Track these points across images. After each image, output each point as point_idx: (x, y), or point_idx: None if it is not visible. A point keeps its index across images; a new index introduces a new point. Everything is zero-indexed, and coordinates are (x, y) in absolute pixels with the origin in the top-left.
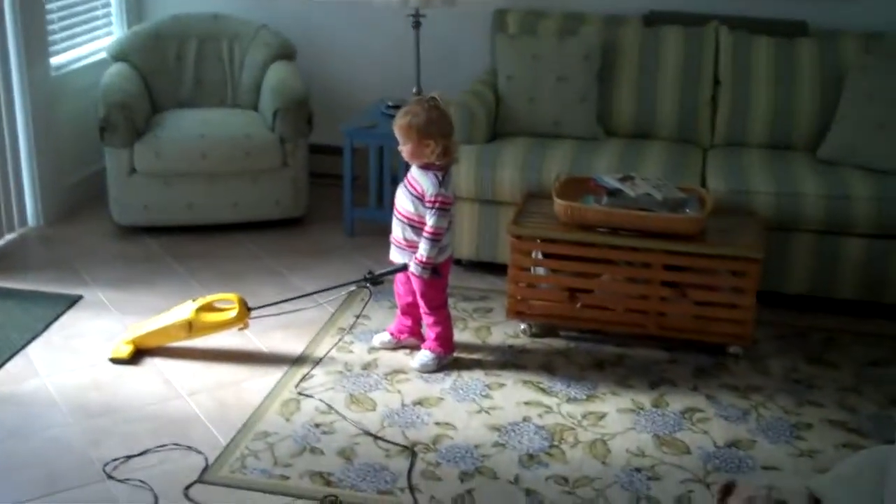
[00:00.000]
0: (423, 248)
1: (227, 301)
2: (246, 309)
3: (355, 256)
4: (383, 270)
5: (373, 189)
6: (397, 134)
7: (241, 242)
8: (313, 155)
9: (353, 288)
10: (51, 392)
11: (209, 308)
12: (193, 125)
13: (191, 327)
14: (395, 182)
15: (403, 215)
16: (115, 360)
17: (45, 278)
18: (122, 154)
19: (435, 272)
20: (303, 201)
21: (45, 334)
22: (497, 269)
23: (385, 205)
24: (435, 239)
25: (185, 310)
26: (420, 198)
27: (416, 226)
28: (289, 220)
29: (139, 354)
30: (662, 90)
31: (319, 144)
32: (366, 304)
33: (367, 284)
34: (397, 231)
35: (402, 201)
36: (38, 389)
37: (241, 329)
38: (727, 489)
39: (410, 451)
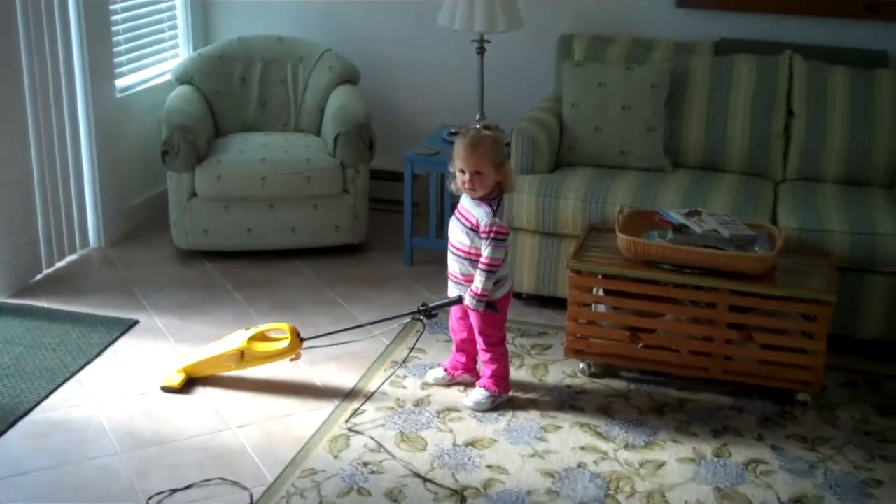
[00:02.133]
0: (478, 280)
1: (280, 331)
2: (298, 339)
3: (413, 286)
4: (438, 303)
5: (433, 217)
6: (465, 161)
7: (299, 269)
8: (374, 181)
9: (406, 320)
10: (101, 419)
11: (262, 338)
12: (255, 149)
13: (243, 357)
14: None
15: (459, 249)
16: (167, 389)
17: (103, 301)
18: (184, 178)
19: (490, 306)
20: (362, 228)
21: (99, 359)
22: (557, 303)
23: (444, 233)
24: (491, 270)
25: (237, 339)
26: (475, 229)
27: (472, 259)
28: (348, 246)
29: (190, 383)
30: (733, 121)
31: (381, 170)
32: (419, 336)
33: (422, 317)
34: (454, 266)
35: (456, 234)
36: (89, 416)
37: (293, 360)
38: None
39: (460, 495)
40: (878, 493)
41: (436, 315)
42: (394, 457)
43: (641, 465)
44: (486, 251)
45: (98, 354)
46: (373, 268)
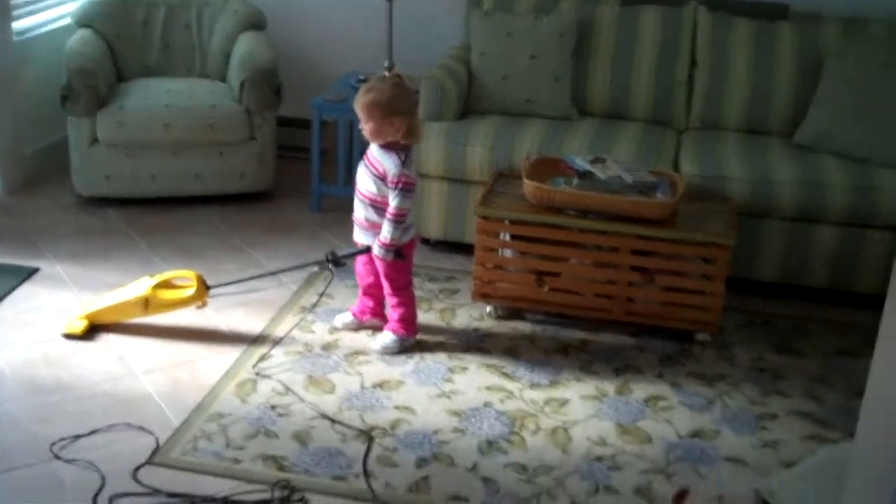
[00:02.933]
0: (386, 231)
1: (186, 278)
2: (204, 287)
3: (321, 233)
4: (345, 252)
5: (341, 165)
6: (359, 112)
7: (204, 216)
8: (281, 128)
9: (315, 269)
10: (1, 367)
11: (167, 285)
12: (158, 95)
13: (147, 304)
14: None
15: (365, 196)
16: (69, 336)
17: (2, 250)
18: (84, 123)
19: (398, 254)
20: (269, 175)
21: None
22: (465, 249)
23: (353, 181)
24: (398, 221)
25: (142, 286)
26: (382, 178)
27: (378, 206)
28: (254, 194)
29: (94, 330)
30: (638, 71)
31: (288, 117)
32: (328, 284)
33: (330, 266)
34: (359, 212)
35: (364, 182)
36: None
37: (199, 307)
38: (680, 496)
39: (367, 435)
40: (771, 425)
41: (344, 264)
42: (302, 399)
43: (546, 403)
44: (393, 201)
45: None
46: (279, 215)
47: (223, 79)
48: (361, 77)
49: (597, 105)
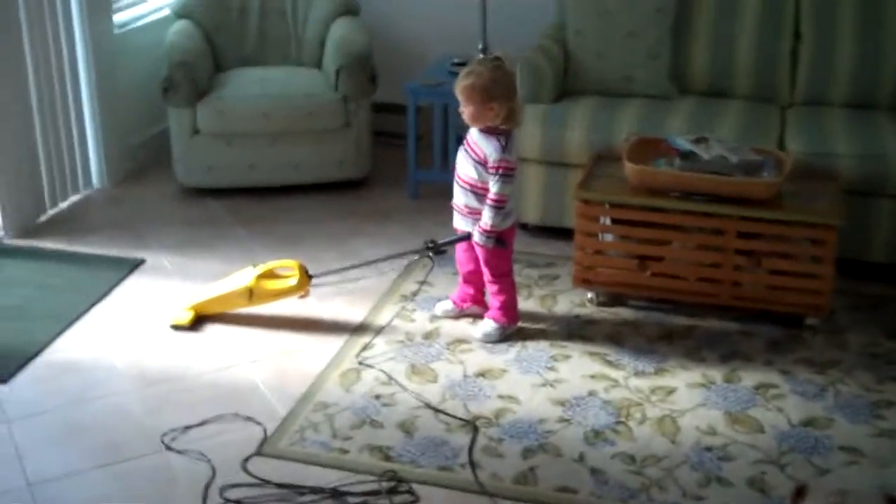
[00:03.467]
0: (486, 217)
1: (288, 268)
2: (307, 276)
3: (419, 220)
4: (445, 240)
5: (437, 150)
6: (459, 95)
7: (304, 205)
8: (377, 114)
9: (415, 257)
10: (111, 359)
11: (270, 275)
12: (255, 84)
13: (251, 295)
14: (461, 142)
15: (466, 182)
16: (177, 327)
17: (109, 241)
18: (185, 114)
19: (499, 241)
20: (366, 163)
21: (108, 299)
22: (564, 234)
23: (450, 166)
24: (499, 206)
25: (245, 277)
26: (482, 163)
27: (478, 192)
28: (351, 181)
29: (199, 321)
30: (739, 45)
31: (383, 103)
32: (428, 272)
33: (430, 253)
34: (459, 197)
35: (464, 167)
36: (99, 356)
37: (301, 297)
38: (800, 492)
39: (472, 425)
40: (888, 413)
41: (444, 252)
42: (405, 389)
43: (652, 391)
44: (494, 187)
45: (105, 294)
46: (377, 202)
47: (319, 66)
48: (456, 60)
49: (697, 82)
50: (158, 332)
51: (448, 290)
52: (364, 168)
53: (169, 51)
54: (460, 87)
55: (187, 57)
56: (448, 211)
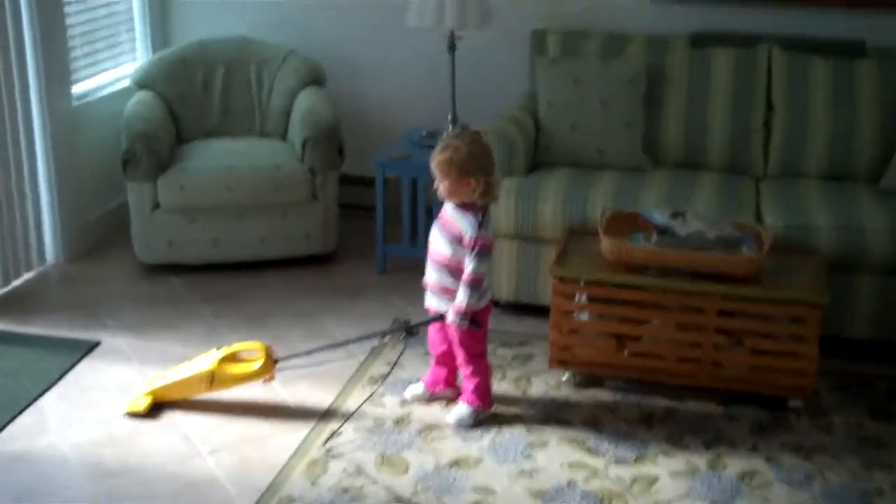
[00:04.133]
0: (462, 296)
1: (252, 350)
2: (272, 360)
3: (388, 296)
4: (419, 321)
5: (406, 224)
6: (435, 170)
7: (269, 281)
8: (344, 186)
9: (386, 339)
10: (64, 450)
11: (233, 358)
12: (220, 156)
13: (213, 380)
14: (431, 216)
15: (439, 259)
16: (133, 414)
17: (63, 321)
18: (146, 188)
19: (473, 321)
20: (333, 236)
21: (61, 384)
22: (538, 311)
23: (419, 240)
24: (476, 285)
25: (207, 360)
26: (458, 239)
27: (453, 270)
28: (319, 256)
29: (157, 408)
30: (712, 116)
31: (351, 175)
32: (400, 354)
33: (402, 335)
34: (432, 275)
35: (438, 244)
36: (52, 446)
37: (266, 381)
38: None
39: None
40: (879, 503)
41: (416, 333)
42: (375, 482)
43: (634, 481)
44: (470, 265)
45: (59, 379)
46: (345, 277)
47: (284, 137)
48: (425, 133)
49: (670, 154)
50: (114, 421)
51: (419, 371)
52: (331, 242)
53: (128, 122)
54: (437, 161)
55: (148, 128)
56: (417, 286)
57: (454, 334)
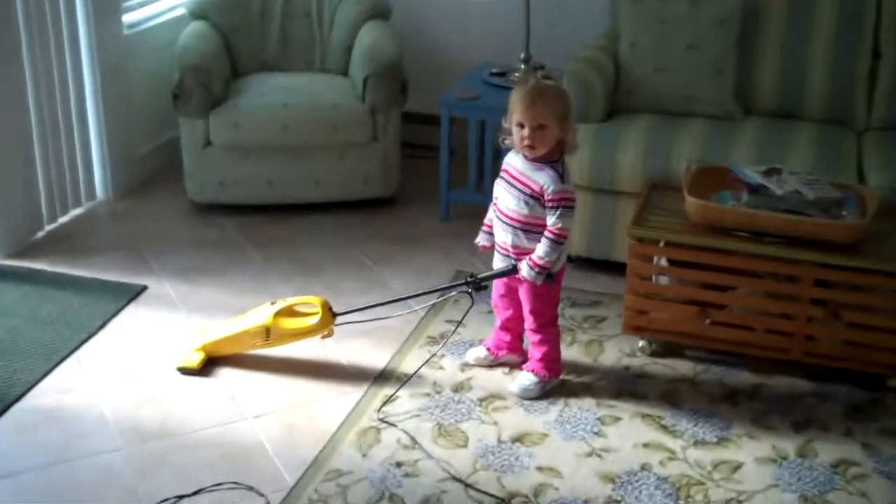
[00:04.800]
0: (542, 250)
1: (310, 304)
2: (331, 315)
3: (451, 246)
4: (488, 273)
5: (472, 169)
6: (523, 115)
7: (325, 226)
8: (406, 124)
9: (452, 293)
10: (101, 407)
11: (289, 313)
12: (276, 93)
13: (269, 335)
14: (498, 159)
15: (514, 219)
16: (184, 370)
17: (110, 263)
18: (197, 125)
19: (549, 277)
20: (393, 180)
21: (102, 333)
22: (612, 268)
23: (485, 187)
24: (559, 241)
25: (262, 314)
26: (537, 197)
27: (531, 230)
28: (377, 200)
29: (207, 364)
30: (811, 62)
31: (414, 112)
32: (466, 314)
33: (469, 290)
34: (503, 237)
35: (508, 201)
36: (88, 403)
37: (323, 338)
38: None
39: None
40: None
41: (485, 287)
42: (430, 456)
43: (715, 466)
44: (554, 221)
45: (101, 327)
46: (405, 225)
47: (345, 73)
48: (495, 70)
49: (764, 102)
50: (156, 376)
51: (481, 332)
52: (391, 186)
53: (181, 54)
54: (530, 104)
55: (201, 61)
56: None
57: (527, 298)
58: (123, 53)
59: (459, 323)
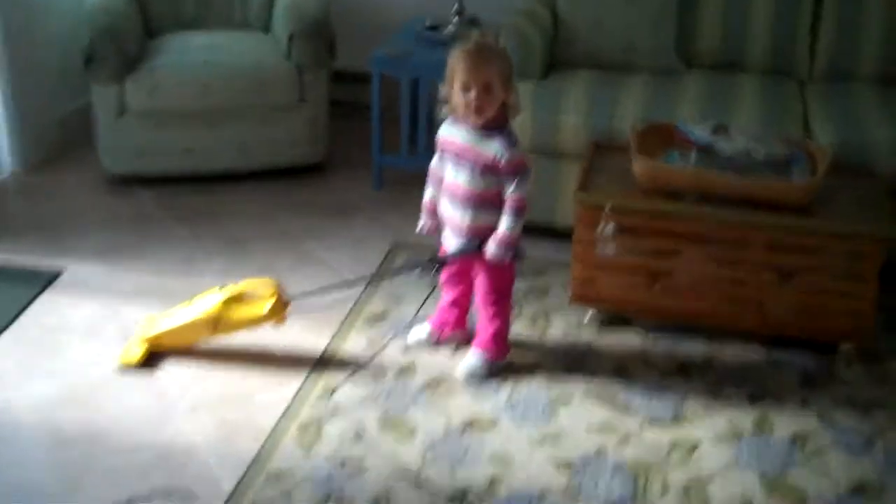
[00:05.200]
0: (507, 224)
1: (261, 288)
2: (283, 302)
3: (386, 215)
4: (452, 253)
5: (404, 132)
6: (467, 77)
7: (251, 196)
8: (334, 84)
9: (416, 271)
10: (18, 410)
11: (239, 299)
12: (194, 52)
13: (217, 324)
14: (431, 122)
15: (468, 196)
16: (126, 366)
17: (20, 244)
18: (111, 91)
19: (516, 252)
20: (322, 145)
21: (14, 326)
22: (555, 234)
23: (419, 151)
24: (522, 211)
25: (209, 302)
26: (489, 168)
27: (487, 203)
28: (306, 166)
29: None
30: (755, 13)
31: (342, 71)
32: (428, 295)
33: (433, 271)
34: (455, 214)
35: (459, 178)
36: (2, 406)
37: (275, 325)
38: None
39: (461, 501)
40: None
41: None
42: (377, 450)
43: (672, 447)
44: (514, 189)
45: (12, 320)
46: (337, 193)
47: (267, 30)
48: (428, 24)
49: (706, 54)
50: (78, 372)
51: (424, 308)
52: (320, 151)
53: (91, 15)
54: (474, 66)
55: (114, 21)
56: (418, 206)
57: (487, 276)
58: (29, 14)
59: (423, 304)
